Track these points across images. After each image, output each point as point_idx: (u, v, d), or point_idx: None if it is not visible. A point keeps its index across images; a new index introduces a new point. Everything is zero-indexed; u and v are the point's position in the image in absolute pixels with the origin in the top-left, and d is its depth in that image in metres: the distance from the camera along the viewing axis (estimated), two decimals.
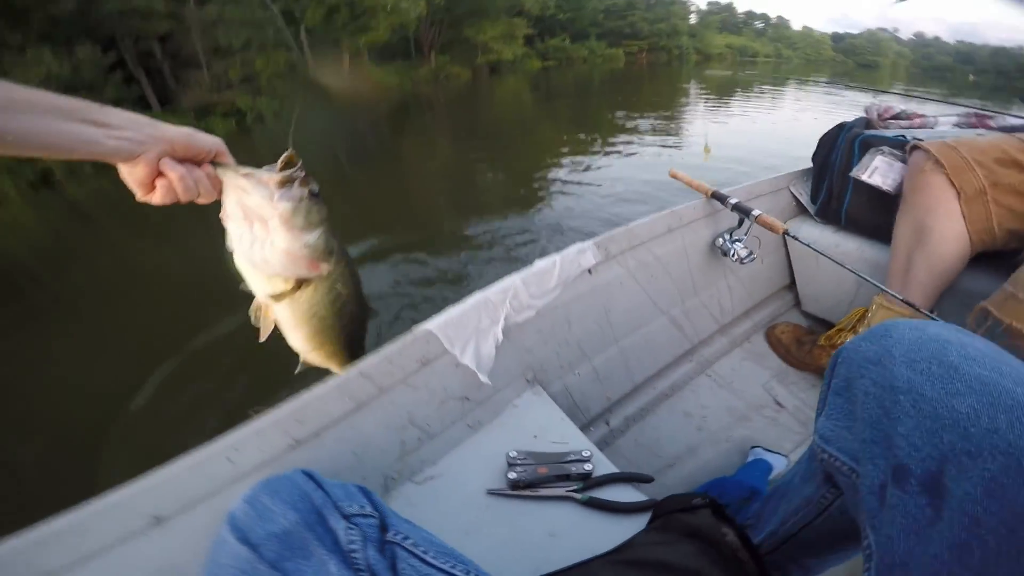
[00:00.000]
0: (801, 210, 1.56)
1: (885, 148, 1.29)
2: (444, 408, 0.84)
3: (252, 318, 0.59)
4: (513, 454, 0.78)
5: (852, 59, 70.85)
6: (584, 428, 1.11)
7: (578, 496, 0.73)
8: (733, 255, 1.26)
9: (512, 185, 5.72)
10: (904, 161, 1.23)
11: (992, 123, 1.42)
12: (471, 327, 0.85)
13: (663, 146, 7.18)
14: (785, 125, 9.41)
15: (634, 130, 8.30)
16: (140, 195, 0.50)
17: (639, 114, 9.84)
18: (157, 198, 0.50)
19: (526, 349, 0.97)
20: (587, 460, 0.77)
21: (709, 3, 67.31)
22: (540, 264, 0.96)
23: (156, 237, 6.95)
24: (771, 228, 1.16)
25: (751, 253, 1.25)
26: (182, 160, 0.50)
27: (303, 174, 0.52)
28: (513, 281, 0.91)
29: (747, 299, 1.50)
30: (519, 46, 27.16)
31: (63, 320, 4.38)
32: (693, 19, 51.82)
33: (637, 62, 36.61)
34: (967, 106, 1.60)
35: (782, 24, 75.20)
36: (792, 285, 1.59)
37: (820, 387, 1.31)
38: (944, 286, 1.13)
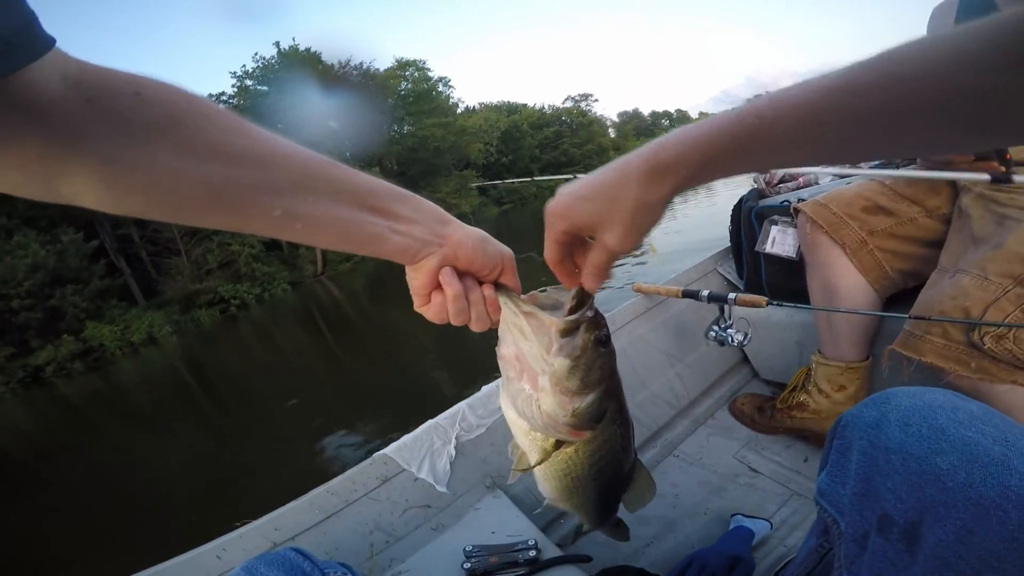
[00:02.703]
0: (732, 287, 1.78)
1: (776, 217, 1.49)
2: (407, 515, 1.01)
3: (509, 452, 0.55)
4: (469, 548, 0.92)
5: None
6: (553, 522, 1.22)
7: None
8: (732, 340, 1.35)
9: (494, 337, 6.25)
10: (795, 226, 1.40)
11: (864, 166, 1.56)
12: (424, 448, 1.06)
13: (624, 262, 8.08)
14: (725, 204, 11.21)
15: None
16: (416, 304, 0.47)
17: None
18: (430, 313, 0.47)
19: (481, 460, 1.15)
20: (532, 548, 0.90)
21: (619, 114, 79.06)
22: (486, 388, 1.19)
23: (147, 427, 7.22)
24: (754, 305, 1.23)
25: (747, 335, 1.35)
26: (464, 272, 0.46)
27: (592, 315, 0.44)
28: (460, 407, 1.14)
29: (701, 381, 1.66)
30: (474, 196, 30.35)
31: (55, 505, 4.55)
32: (612, 133, 60.27)
33: None
34: None
35: (683, 116, 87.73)
36: (747, 359, 1.75)
37: (794, 446, 1.40)
38: (870, 333, 1.27)
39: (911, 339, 1.04)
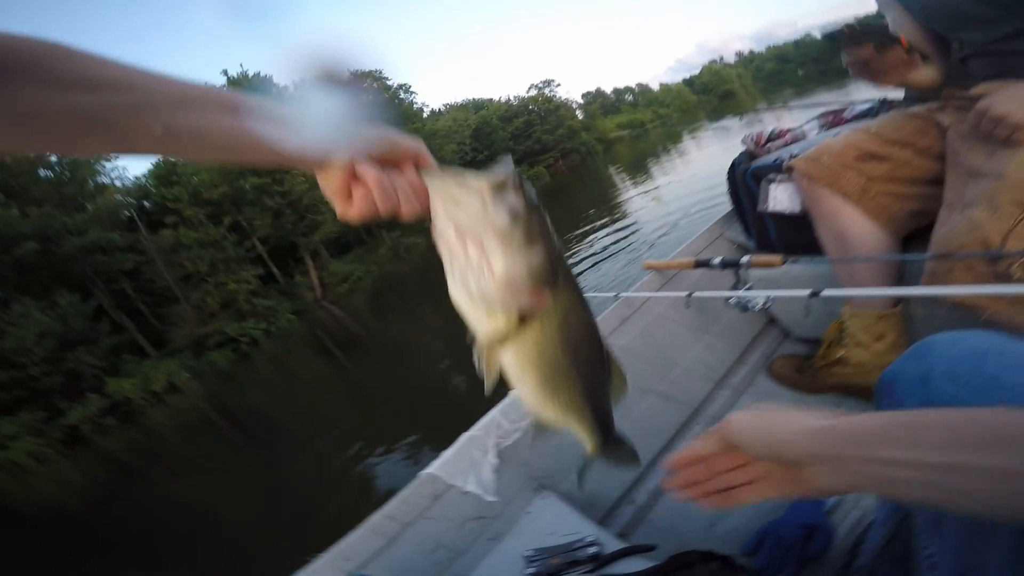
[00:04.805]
0: (743, 250, 1.76)
1: (772, 175, 1.47)
2: (464, 529, 1.03)
3: (475, 364, 0.53)
4: (528, 553, 0.92)
5: (712, 96, 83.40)
6: (608, 513, 1.23)
7: None
8: (753, 305, 1.32)
9: None
10: (793, 180, 1.38)
11: (846, 115, 1.61)
12: (466, 461, 1.08)
13: (623, 238, 8.28)
14: (702, 166, 12.25)
15: (588, 236, 9.55)
16: (339, 210, 0.48)
17: (585, 221, 11.21)
18: (355, 211, 0.47)
19: (523, 463, 1.16)
20: (593, 544, 0.91)
21: (583, 95, 77.97)
22: (515, 392, 1.17)
23: (192, 470, 7.39)
24: (768, 265, 1.23)
25: (768, 296, 1.30)
26: (380, 162, 0.46)
27: (518, 179, 0.46)
28: (493, 415, 1.15)
29: (733, 348, 1.63)
30: None
31: (116, 554, 4.68)
32: (580, 115, 59.45)
33: (558, 171, 42.30)
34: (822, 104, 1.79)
35: (644, 89, 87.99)
36: (773, 320, 1.71)
37: (844, 404, 1.39)
38: (893, 277, 1.25)
39: (936, 279, 1.01)
